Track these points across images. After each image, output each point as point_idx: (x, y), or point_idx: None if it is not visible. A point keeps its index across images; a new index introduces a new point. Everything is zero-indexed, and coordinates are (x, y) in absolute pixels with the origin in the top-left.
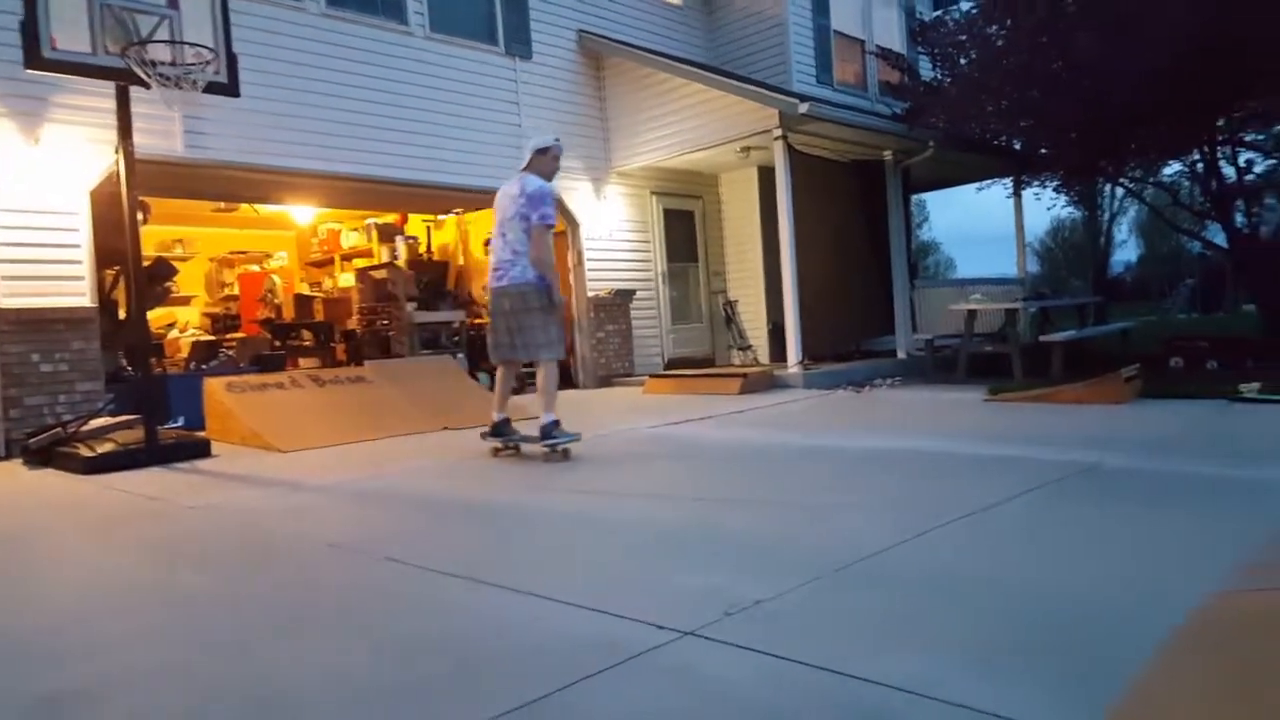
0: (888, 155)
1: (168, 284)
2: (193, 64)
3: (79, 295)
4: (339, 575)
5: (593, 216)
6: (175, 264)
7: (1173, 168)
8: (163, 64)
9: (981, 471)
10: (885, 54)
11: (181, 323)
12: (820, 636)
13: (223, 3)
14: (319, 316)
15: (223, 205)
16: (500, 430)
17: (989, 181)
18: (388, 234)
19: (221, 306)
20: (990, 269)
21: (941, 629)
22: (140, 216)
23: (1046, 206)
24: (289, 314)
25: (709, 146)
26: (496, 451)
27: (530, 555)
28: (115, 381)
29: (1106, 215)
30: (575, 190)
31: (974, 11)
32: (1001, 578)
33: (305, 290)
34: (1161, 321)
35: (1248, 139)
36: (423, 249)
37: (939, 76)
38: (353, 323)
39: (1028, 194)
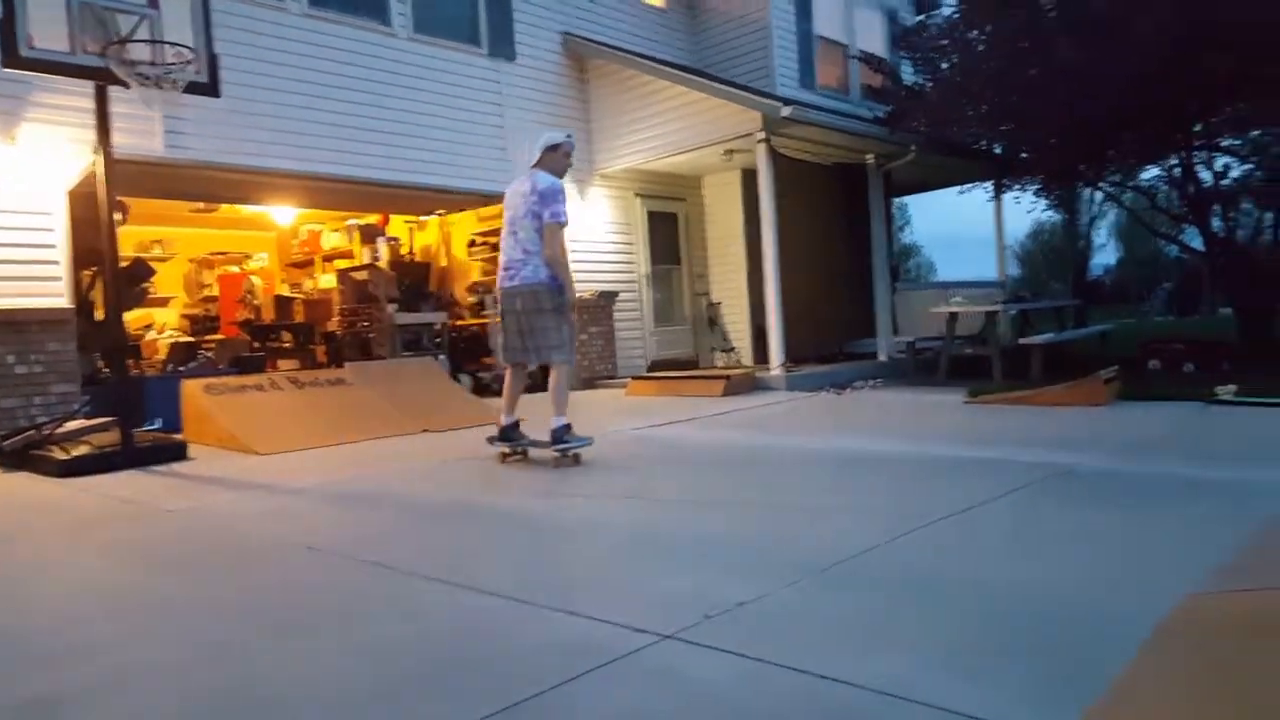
0: (870, 159)
1: (145, 285)
2: (173, 64)
3: (56, 296)
4: (317, 578)
5: (576, 218)
6: (154, 265)
7: (1151, 172)
8: (143, 63)
9: (963, 473)
10: (868, 58)
11: (160, 324)
12: (802, 638)
13: (204, 2)
14: (299, 318)
15: (202, 206)
16: (509, 435)
17: (970, 185)
18: (369, 235)
19: (200, 308)
20: (971, 272)
21: (923, 630)
22: (118, 216)
23: (1027, 210)
24: (269, 315)
25: (692, 149)
26: (504, 457)
27: (511, 558)
28: (92, 383)
29: (1086, 219)
30: None
31: (955, 16)
32: (984, 579)
33: (285, 291)
34: (1140, 324)
35: (1224, 144)
36: (405, 250)
37: (920, 81)
38: (333, 324)
39: (1008, 198)
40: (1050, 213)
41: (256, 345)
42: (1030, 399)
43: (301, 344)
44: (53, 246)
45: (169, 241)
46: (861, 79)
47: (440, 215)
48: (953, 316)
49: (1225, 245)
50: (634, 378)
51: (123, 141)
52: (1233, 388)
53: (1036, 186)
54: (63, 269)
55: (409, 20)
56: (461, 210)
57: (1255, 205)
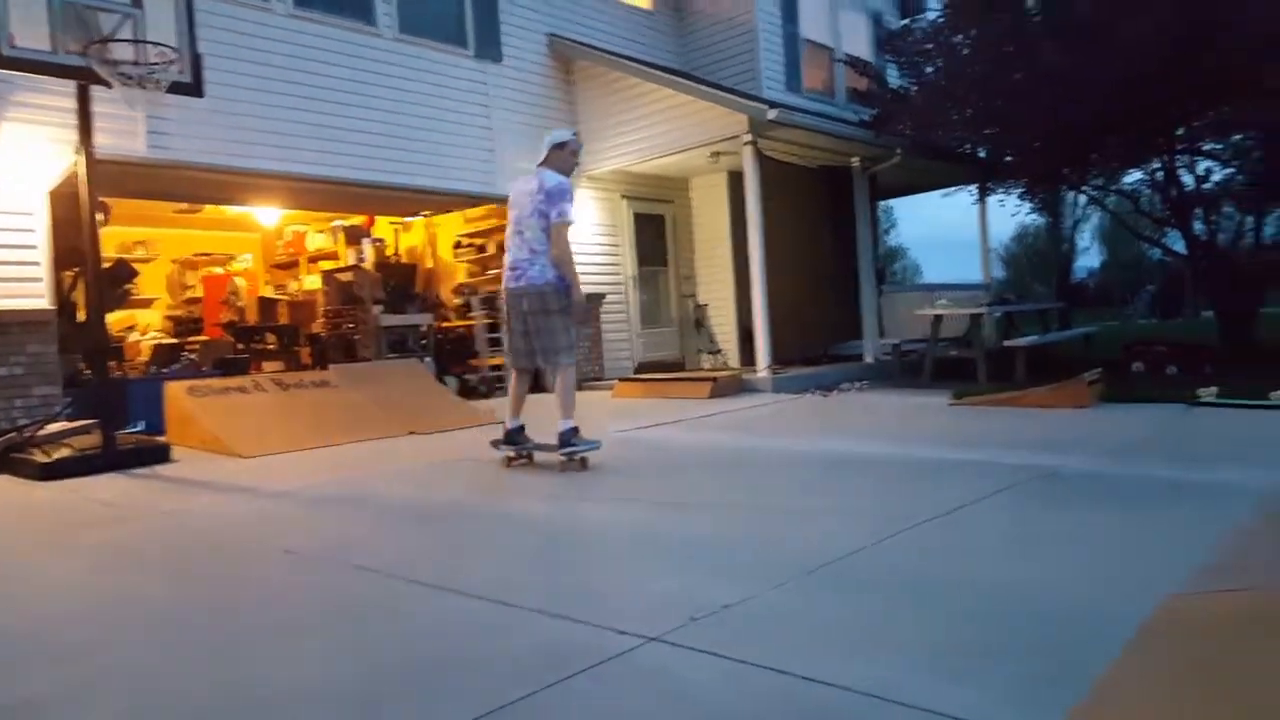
0: (855, 162)
1: (128, 286)
2: (156, 63)
3: (37, 297)
4: (300, 581)
5: None
6: (136, 266)
7: (1134, 176)
8: (125, 63)
9: (949, 475)
10: (853, 62)
11: (142, 325)
12: (787, 640)
13: (187, 2)
14: (284, 320)
15: (186, 206)
16: (514, 438)
17: (955, 188)
18: (354, 236)
19: (184, 309)
20: (956, 274)
21: (909, 632)
22: (100, 217)
23: (1011, 213)
24: (253, 317)
25: (679, 151)
26: (510, 461)
27: (497, 561)
28: (73, 385)
29: (1070, 222)
30: None
31: (940, 20)
32: (969, 580)
33: (270, 293)
34: (1123, 327)
35: (1205, 148)
36: (390, 251)
37: (906, 84)
38: (318, 326)
39: (993, 201)
40: (1034, 216)
41: (240, 347)
42: (1015, 401)
43: (286, 346)
44: (34, 247)
45: (152, 242)
46: (847, 82)
47: (426, 216)
48: (938, 319)
49: (1207, 248)
50: (621, 380)
51: (105, 142)
52: (1215, 390)
53: (1021, 190)
54: (44, 270)
55: (394, 21)
56: (448, 212)
57: (1236, 209)
